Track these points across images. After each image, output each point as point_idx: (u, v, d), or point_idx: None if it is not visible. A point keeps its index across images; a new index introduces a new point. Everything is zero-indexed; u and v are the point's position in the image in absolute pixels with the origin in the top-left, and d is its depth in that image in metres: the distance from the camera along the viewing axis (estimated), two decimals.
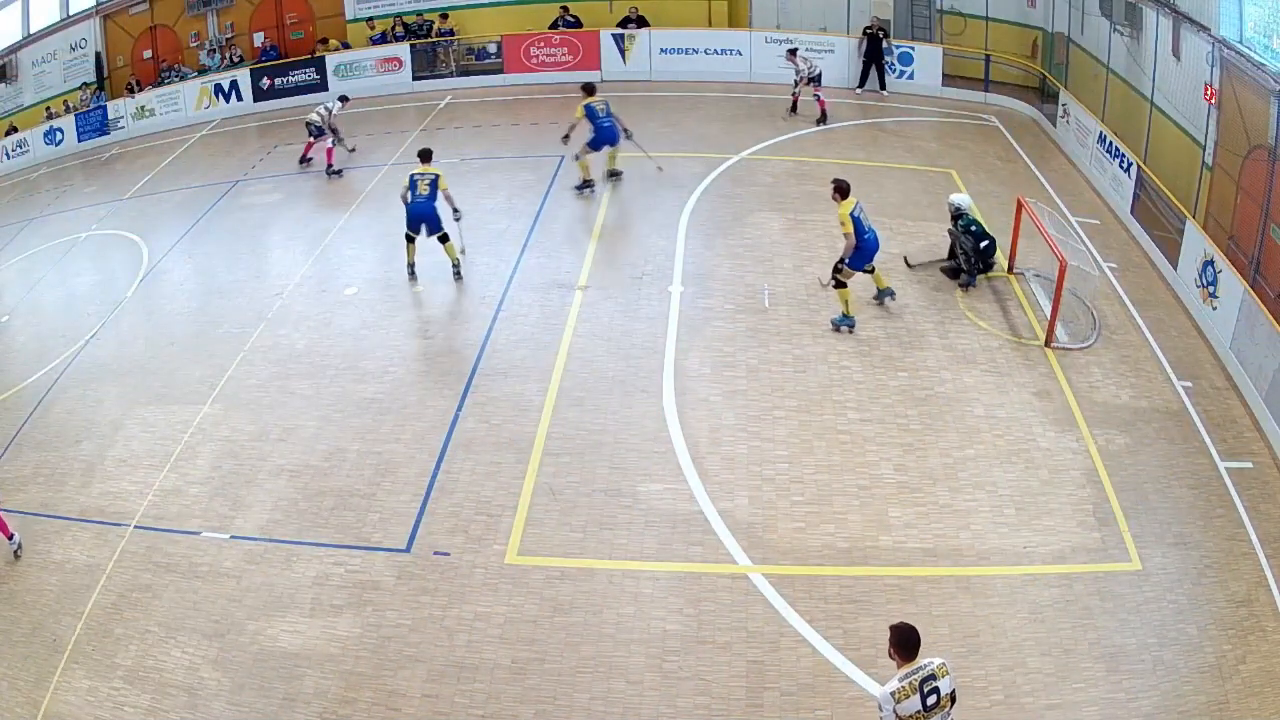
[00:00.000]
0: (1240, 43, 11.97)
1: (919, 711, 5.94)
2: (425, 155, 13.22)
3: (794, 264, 13.02)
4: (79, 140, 21.16)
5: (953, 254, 12.66)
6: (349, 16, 21.91)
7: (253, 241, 15.06)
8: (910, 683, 5.96)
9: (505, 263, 13.42)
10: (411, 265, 13.29)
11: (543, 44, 20.71)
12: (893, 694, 5.94)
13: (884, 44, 19.28)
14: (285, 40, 22.14)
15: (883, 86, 19.48)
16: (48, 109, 21.76)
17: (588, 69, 20.56)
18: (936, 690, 5.97)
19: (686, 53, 20.33)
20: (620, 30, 20.50)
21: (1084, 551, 8.69)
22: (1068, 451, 9.84)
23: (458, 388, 11.02)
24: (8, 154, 21.06)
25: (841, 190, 11.21)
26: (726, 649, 7.87)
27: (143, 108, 21.15)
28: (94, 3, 21.80)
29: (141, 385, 11.71)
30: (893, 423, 10.22)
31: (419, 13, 21.58)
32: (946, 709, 6.05)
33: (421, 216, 12.81)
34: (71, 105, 21.63)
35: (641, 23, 20.53)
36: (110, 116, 21.19)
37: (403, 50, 21.00)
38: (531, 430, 10.24)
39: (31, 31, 21.75)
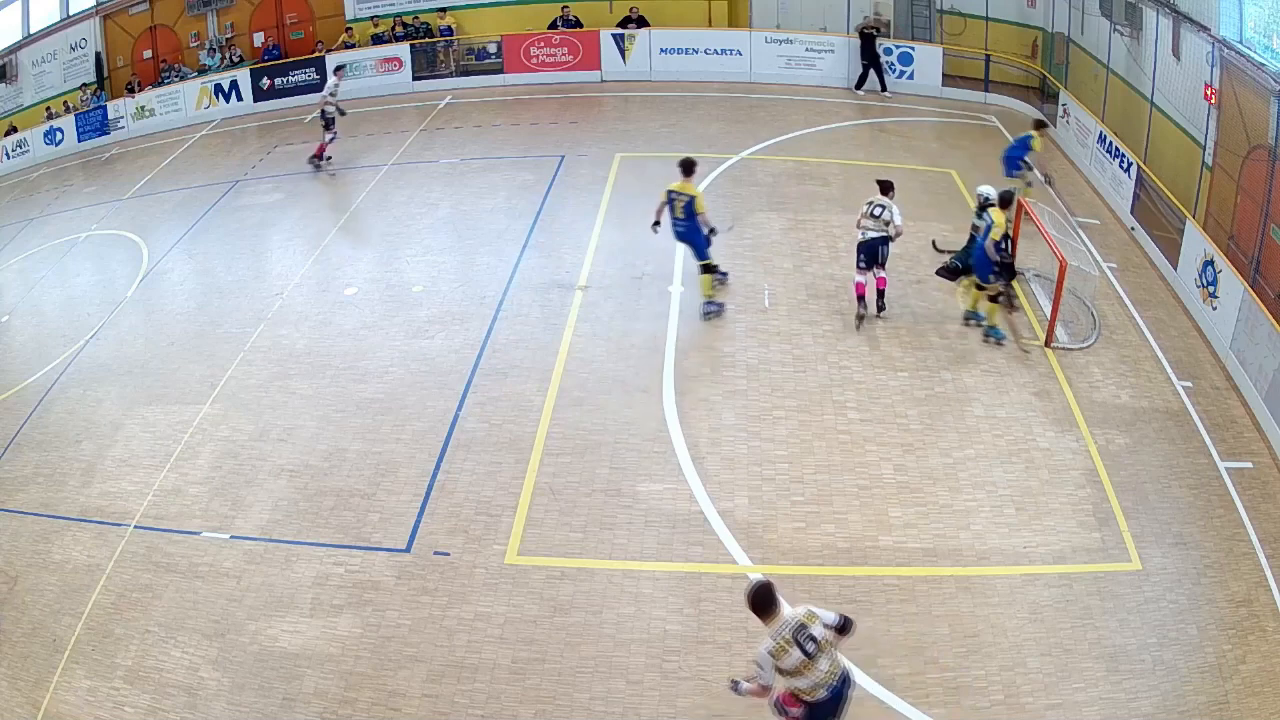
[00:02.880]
0: (1240, 43, 11.97)
1: (801, 662, 6.05)
2: (686, 167, 11.43)
3: (794, 264, 13.02)
4: (79, 140, 21.17)
5: (966, 254, 12.39)
6: (349, 16, 21.94)
7: (253, 241, 15.06)
8: (784, 638, 6.07)
9: (505, 263, 13.42)
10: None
11: (543, 44, 20.71)
12: (770, 653, 6.06)
13: (877, 43, 19.27)
14: (286, 40, 22.15)
15: (883, 87, 19.44)
16: (48, 109, 21.77)
17: (588, 69, 20.60)
18: (813, 638, 6.07)
19: (686, 53, 20.34)
20: (620, 30, 20.50)
21: (1084, 551, 8.70)
22: (1068, 451, 9.84)
23: (458, 388, 11.02)
24: (8, 154, 21.07)
25: (1003, 201, 11.25)
26: (726, 649, 7.86)
27: (143, 108, 21.16)
28: (94, 3, 21.81)
29: (141, 385, 11.71)
30: (893, 423, 10.22)
31: (417, 13, 21.60)
32: (832, 647, 6.18)
33: (681, 241, 11.61)
34: (71, 105, 21.63)
35: (641, 23, 20.54)
36: (110, 116, 21.20)
37: (403, 50, 21.01)
38: (531, 430, 10.24)
39: (31, 31, 21.76)
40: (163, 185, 17.82)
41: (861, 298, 11.64)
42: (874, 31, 19.25)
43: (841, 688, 6.25)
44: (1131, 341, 11.60)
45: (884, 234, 11.33)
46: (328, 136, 17.05)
